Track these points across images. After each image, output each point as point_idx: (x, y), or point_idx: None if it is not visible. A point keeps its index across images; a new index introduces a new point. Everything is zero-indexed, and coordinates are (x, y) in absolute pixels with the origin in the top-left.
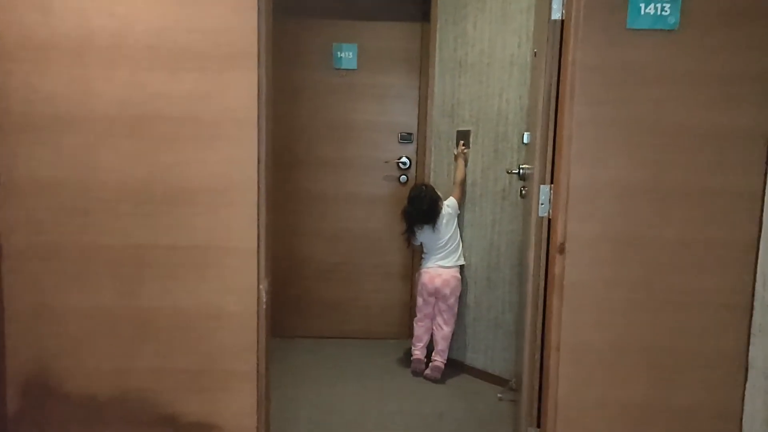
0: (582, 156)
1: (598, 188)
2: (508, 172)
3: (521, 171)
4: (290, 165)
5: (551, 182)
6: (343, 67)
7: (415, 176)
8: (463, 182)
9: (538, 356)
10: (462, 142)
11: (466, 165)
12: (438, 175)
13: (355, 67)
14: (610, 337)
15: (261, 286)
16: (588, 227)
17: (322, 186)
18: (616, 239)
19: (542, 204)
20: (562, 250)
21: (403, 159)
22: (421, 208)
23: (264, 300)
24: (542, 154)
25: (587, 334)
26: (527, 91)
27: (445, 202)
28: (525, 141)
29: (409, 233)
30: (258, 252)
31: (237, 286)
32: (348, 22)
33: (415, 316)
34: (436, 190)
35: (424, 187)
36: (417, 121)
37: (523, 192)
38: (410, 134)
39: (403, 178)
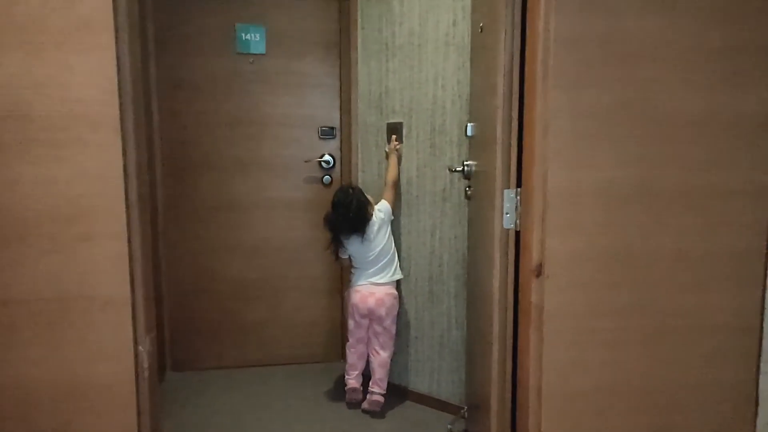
0: (559, 153)
1: (581, 193)
2: (450, 171)
3: (466, 168)
4: (193, 169)
5: (517, 185)
6: (249, 51)
7: (341, 177)
8: (397, 183)
9: (509, 405)
10: (394, 136)
11: (399, 163)
12: (367, 175)
13: (264, 52)
14: (599, 377)
15: (141, 347)
16: (570, 242)
17: (233, 192)
18: (604, 255)
19: (507, 214)
20: (539, 272)
21: (326, 157)
22: (347, 215)
23: (146, 366)
24: (504, 151)
25: (573, 375)
26: (467, 76)
27: (376, 207)
28: (468, 133)
29: (336, 244)
30: (133, 300)
31: (106, 350)
32: None
33: (347, 340)
34: (364, 192)
35: (350, 190)
36: (339, 114)
37: (468, 192)
38: (332, 129)
39: (327, 178)
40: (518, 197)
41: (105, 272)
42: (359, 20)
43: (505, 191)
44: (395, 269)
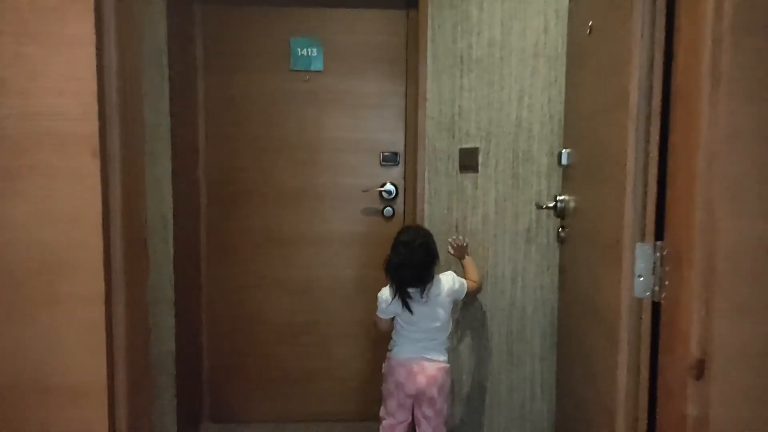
0: (734, 194)
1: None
2: (538, 207)
3: (559, 204)
4: (237, 198)
5: (657, 237)
6: (304, 68)
7: (404, 209)
8: (480, 283)
9: None
10: (454, 237)
11: (463, 258)
12: (434, 208)
13: (321, 68)
14: None
15: None
16: (750, 329)
17: (281, 224)
18: None
19: (640, 277)
20: (700, 371)
21: (388, 186)
22: (411, 258)
23: None
24: (638, 187)
25: None
26: (561, 93)
27: (449, 274)
28: (563, 161)
29: (402, 294)
30: (111, 389)
31: None
32: (310, 10)
33: (381, 419)
34: (433, 239)
35: (419, 231)
36: (404, 138)
37: (562, 234)
38: (395, 154)
39: (388, 210)
40: (659, 254)
41: (72, 349)
42: (429, 31)
43: (638, 245)
44: (446, 348)
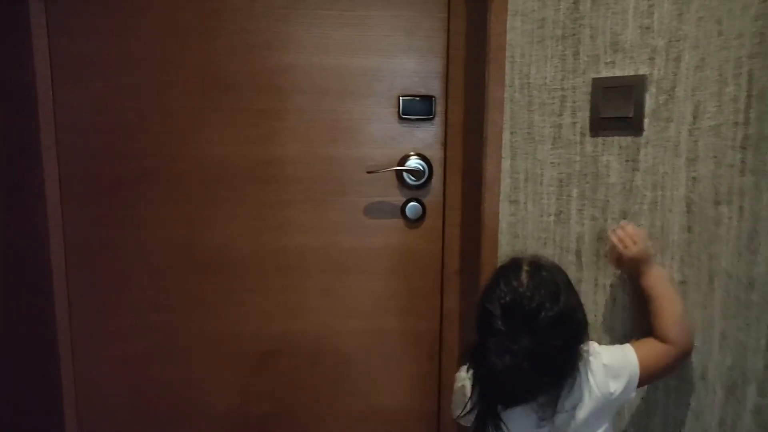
0: None
1: None
2: None
3: None
4: (125, 189)
5: None
6: None
7: (443, 207)
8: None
9: None
10: (623, 223)
11: (642, 268)
12: (520, 209)
13: None
14: None
15: None
16: None
17: (214, 235)
18: None
19: None
20: None
21: (413, 162)
22: (526, 361)
23: None
24: None
25: None
26: None
27: (604, 353)
28: None
29: (494, 419)
30: None
31: None
32: None
33: None
34: (573, 292)
35: (543, 285)
36: (446, 65)
37: None
38: (429, 100)
39: (413, 208)
40: None
41: None
42: None
43: None
44: None
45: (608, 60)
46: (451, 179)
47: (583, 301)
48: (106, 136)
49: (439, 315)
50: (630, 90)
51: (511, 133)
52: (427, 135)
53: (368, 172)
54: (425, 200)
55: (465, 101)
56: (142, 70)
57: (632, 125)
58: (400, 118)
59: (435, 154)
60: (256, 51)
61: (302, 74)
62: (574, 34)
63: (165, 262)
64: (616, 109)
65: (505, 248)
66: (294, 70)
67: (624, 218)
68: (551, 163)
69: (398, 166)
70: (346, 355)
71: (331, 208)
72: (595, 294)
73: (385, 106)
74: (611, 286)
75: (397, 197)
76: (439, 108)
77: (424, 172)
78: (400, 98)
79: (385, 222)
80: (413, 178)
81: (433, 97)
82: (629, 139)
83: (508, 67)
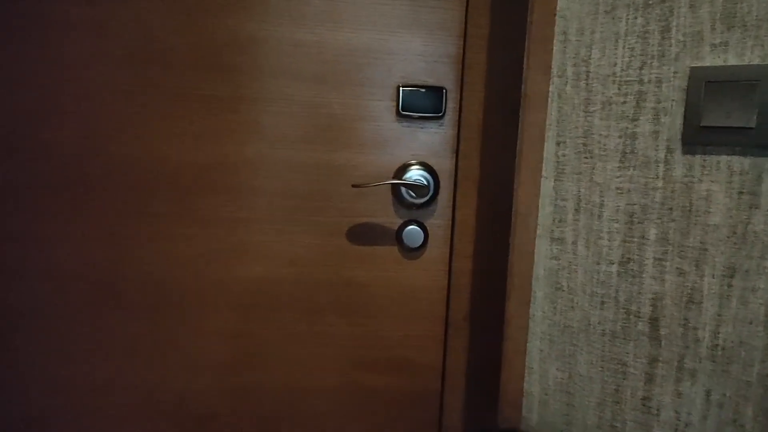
0: None
1: None
2: None
3: None
4: (32, 188)
5: None
6: None
7: (452, 233)
8: None
9: None
10: None
11: None
12: (567, 249)
13: None
14: None
15: None
16: None
17: (148, 259)
18: None
19: None
20: None
21: (414, 173)
22: None
23: None
24: None
25: None
26: None
27: None
28: None
29: None
30: None
31: None
32: None
33: None
34: None
35: None
36: (462, 45)
37: None
38: (439, 92)
39: (413, 233)
40: None
41: None
42: None
43: None
44: None
45: (717, 41)
46: (463, 197)
47: (660, 392)
48: None
49: (441, 372)
50: (753, 88)
51: (558, 143)
52: (434, 138)
53: (354, 186)
54: (428, 223)
55: (487, 95)
56: (47, 37)
57: (753, 140)
58: (398, 114)
59: (443, 164)
60: (204, 16)
61: (268, 51)
62: (663, 1)
63: (77, 296)
64: (728, 114)
65: (542, 303)
66: (256, 45)
67: (731, 276)
68: (617, 189)
69: (395, 178)
70: (316, 419)
71: (302, 230)
72: (678, 383)
73: (380, 99)
74: (703, 372)
75: (391, 218)
76: (450, 103)
77: (428, 187)
78: (400, 89)
79: (375, 250)
80: (413, 195)
81: (444, 88)
82: (747, 160)
83: (557, 48)
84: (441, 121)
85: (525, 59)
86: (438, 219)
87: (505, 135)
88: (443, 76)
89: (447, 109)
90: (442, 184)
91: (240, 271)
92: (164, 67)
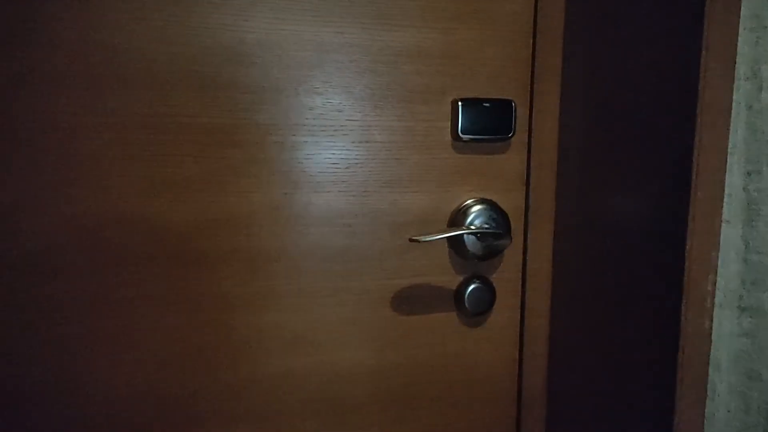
0: None
1: None
2: None
3: None
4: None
5: None
6: None
7: (521, 287)
8: None
9: None
10: None
11: None
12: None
13: None
14: None
15: None
16: None
17: (126, 354)
18: None
19: None
20: None
21: (478, 214)
22: None
23: None
24: None
25: None
26: None
27: None
28: None
29: None
30: None
31: None
32: None
33: None
34: None
35: None
36: (533, 41)
37: None
38: (506, 107)
39: (477, 293)
40: None
41: None
42: None
43: None
44: None
45: None
46: (536, 242)
47: None
48: None
49: None
50: None
51: (747, 172)
52: (500, 167)
53: (411, 240)
54: (494, 278)
55: (563, 108)
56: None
57: None
58: (455, 137)
59: (514, 201)
60: (200, 15)
61: (282, 59)
62: None
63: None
64: None
65: (726, 398)
66: (266, 51)
67: None
68: None
69: (454, 219)
70: None
71: (336, 302)
72: None
73: (430, 118)
74: None
75: (448, 275)
76: (518, 120)
77: (499, 233)
78: (459, 104)
79: (427, 319)
80: (476, 246)
81: (510, 100)
82: None
83: (743, 39)
84: (508, 142)
85: (698, 55)
86: (506, 272)
87: (615, 159)
88: (506, 80)
89: (516, 125)
90: (512, 225)
91: (251, 368)
92: (124, 85)
